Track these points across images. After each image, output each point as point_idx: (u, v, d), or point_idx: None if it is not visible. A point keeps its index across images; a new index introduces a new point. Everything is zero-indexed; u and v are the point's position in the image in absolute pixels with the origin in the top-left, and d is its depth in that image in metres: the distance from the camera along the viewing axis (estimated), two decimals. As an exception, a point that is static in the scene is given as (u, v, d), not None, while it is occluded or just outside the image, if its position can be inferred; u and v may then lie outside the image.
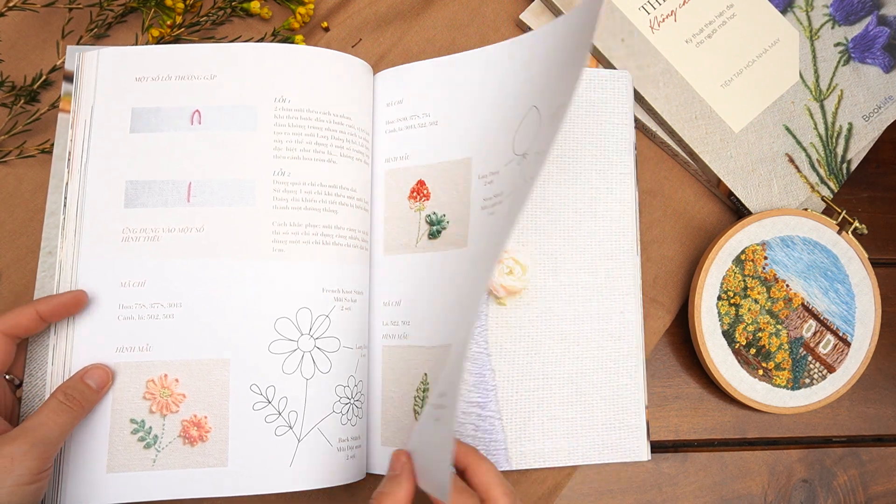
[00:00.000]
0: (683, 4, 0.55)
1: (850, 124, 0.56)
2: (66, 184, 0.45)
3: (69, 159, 0.45)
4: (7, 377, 0.42)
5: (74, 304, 0.42)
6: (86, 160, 0.45)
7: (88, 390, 0.41)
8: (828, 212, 0.55)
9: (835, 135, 0.56)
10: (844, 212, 0.54)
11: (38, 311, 0.41)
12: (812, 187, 0.55)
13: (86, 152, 0.45)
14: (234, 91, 0.47)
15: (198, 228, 0.45)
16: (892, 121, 0.56)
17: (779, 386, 0.53)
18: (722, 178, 0.54)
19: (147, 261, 0.44)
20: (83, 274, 0.44)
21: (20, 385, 0.43)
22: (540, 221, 0.50)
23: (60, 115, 0.45)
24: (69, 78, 0.46)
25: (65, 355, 0.43)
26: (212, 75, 0.47)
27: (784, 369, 0.53)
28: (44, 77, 0.49)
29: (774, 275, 0.53)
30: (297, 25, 0.53)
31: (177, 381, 0.43)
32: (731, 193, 0.55)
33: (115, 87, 0.46)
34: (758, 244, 0.53)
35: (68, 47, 0.46)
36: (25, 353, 0.43)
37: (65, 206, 0.45)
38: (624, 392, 0.49)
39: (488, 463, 0.39)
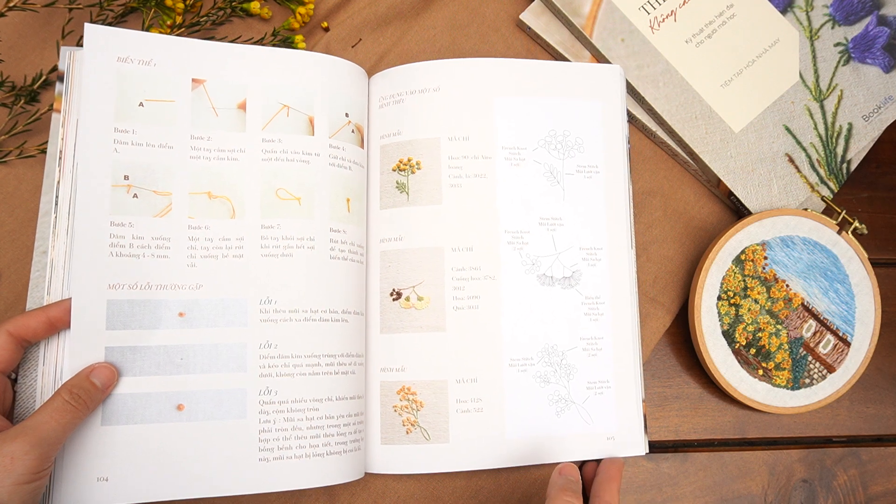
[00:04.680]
0: (683, 4, 0.55)
1: (850, 124, 0.56)
2: (58, 183, 0.44)
3: (60, 158, 0.44)
4: (11, 377, 0.41)
5: None
6: (76, 160, 0.44)
7: (94, 389, 0.40)
8: (828, 212, 0.55)
9: (835, 135, 0.56)
10: (844, 212, 0.54)
11: (49, 315, 0.41)
12: (812, 187, 0.55)
13: (74, 152, 0.44)
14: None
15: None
16: (891, 121, 0.56)
17: (779, 386, 0.53)
18: (722, 178, 0.54)
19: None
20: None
21: (15, 380, 0.42)
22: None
23: (53, 115, 0.45)
24: (62, 78, 0.45)
25: (56, 354, 0.42)
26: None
27: (784, 369, 0.53)
28: (44, 77, 0.49)
29: (774, 275, 0.53)
30: (297, 25, 0.53)
31: None
32: (730, 193, 0.55)
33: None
34: (758, 244, 0.53)
35: (61, 47, 0.46)
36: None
37: (56, 205, 0.44)
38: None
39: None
